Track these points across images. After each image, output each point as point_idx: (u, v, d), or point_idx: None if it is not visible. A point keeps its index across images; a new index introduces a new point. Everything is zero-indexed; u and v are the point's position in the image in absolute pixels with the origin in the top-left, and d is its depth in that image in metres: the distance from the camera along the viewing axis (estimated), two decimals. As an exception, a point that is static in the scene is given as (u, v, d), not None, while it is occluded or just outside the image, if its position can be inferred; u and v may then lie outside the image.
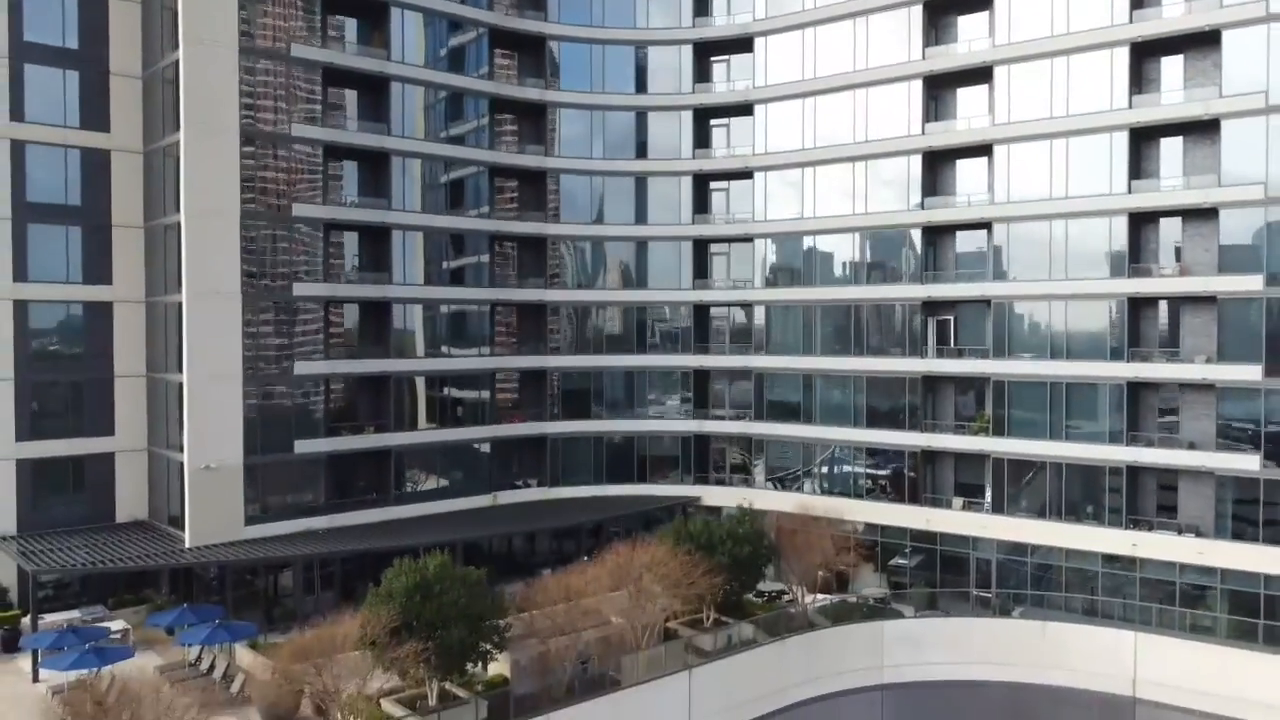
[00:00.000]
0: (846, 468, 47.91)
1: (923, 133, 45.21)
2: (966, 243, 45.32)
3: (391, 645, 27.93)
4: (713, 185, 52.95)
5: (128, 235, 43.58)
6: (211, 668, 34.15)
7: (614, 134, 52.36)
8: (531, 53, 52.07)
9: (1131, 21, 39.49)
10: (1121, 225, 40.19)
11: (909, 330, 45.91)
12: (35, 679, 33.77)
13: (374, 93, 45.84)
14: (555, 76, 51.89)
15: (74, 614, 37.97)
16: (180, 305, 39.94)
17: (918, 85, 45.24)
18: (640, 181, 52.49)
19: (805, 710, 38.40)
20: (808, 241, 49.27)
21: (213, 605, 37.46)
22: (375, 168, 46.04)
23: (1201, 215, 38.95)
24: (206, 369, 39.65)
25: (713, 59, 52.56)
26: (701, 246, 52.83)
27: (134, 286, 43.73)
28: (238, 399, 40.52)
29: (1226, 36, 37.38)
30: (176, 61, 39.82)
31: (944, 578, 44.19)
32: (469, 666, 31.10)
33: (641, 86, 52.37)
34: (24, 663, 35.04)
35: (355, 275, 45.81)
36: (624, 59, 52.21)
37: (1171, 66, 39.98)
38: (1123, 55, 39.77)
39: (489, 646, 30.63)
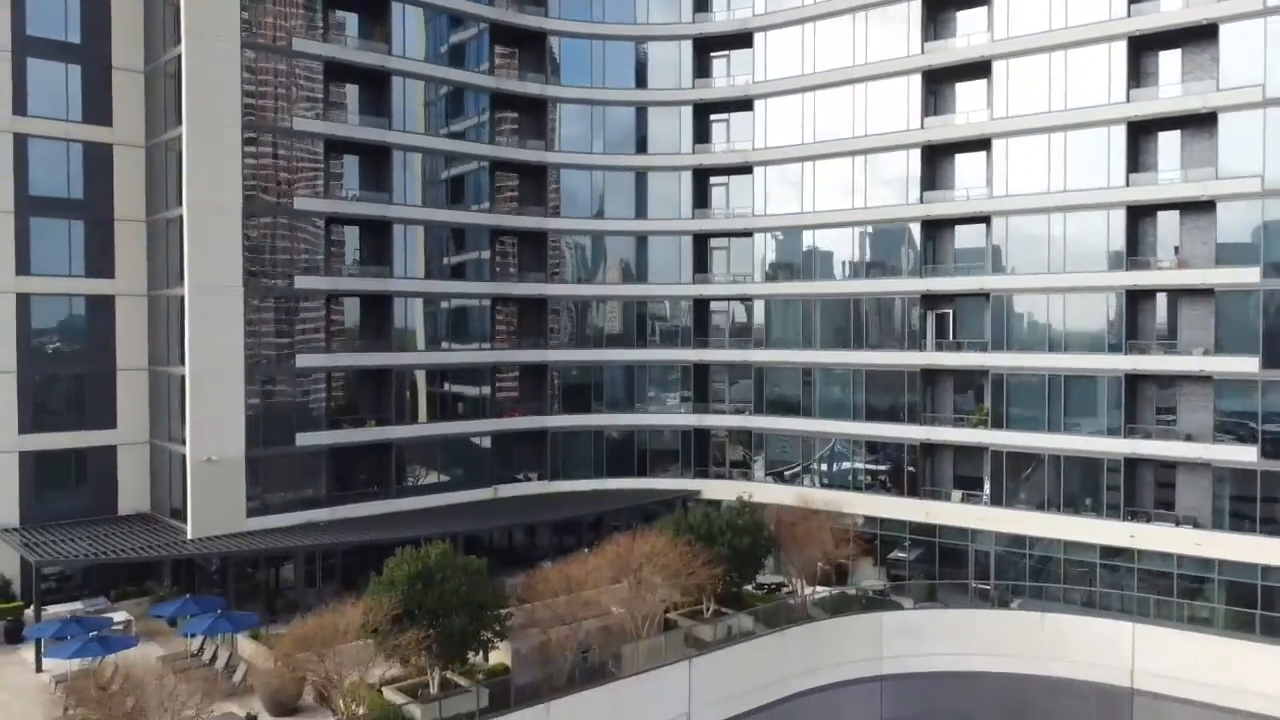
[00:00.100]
0: (846, 464, 48.07)
1: (922, 127, 45.39)
2: (965, 237, 45.50)
3: (393, 633, 28.09)
4: (712, 180, 53.17)
5: (130, 229, 43.74)
6: (214, 658, 34.28)
7: (614, 129, 52.55)
8: (532, 48, 52.26)
9: (1129, 15, 39.67)
10: (1120, 219, 40.35)
11: (908, 324, 46.09)
12: (39, 669, 33.94)
13: (375, 87, 46.02)
14: (556, 72, 52.09)
15: (76, 605, 38.16)
16: (182, 299, 40.14)
17: (917, 80, 45.43)
18: (640, 176, 52.69)
19: (805, 701, 38.56)
20: (807, 236, 49.44)
21: (215, 597, 37.62)
22: (376, 162, 46.22)
23: (1199, 208, 39.12)
24: (208, 362, 39.83)
25: (712, 54, 52.76)
26: (701, 241, 53.04)
27: (136, 280, 43.90)
28: (239, 392, 40.71)
29: (1224, 30, 37.54)
30: (179, 56, 40.02)
31: (943, 570, 44.35)
32: (470, 655, 31.31)
33: (642, 82, 52.57)
34: (27, 653, 35.21)
35: (356, 269, 46.01)
36: (624, 54, 52.41)
37: (1169, 60, 40.19)
38: (1121, 49, 39.95)
39: (490, 635, 30.82)
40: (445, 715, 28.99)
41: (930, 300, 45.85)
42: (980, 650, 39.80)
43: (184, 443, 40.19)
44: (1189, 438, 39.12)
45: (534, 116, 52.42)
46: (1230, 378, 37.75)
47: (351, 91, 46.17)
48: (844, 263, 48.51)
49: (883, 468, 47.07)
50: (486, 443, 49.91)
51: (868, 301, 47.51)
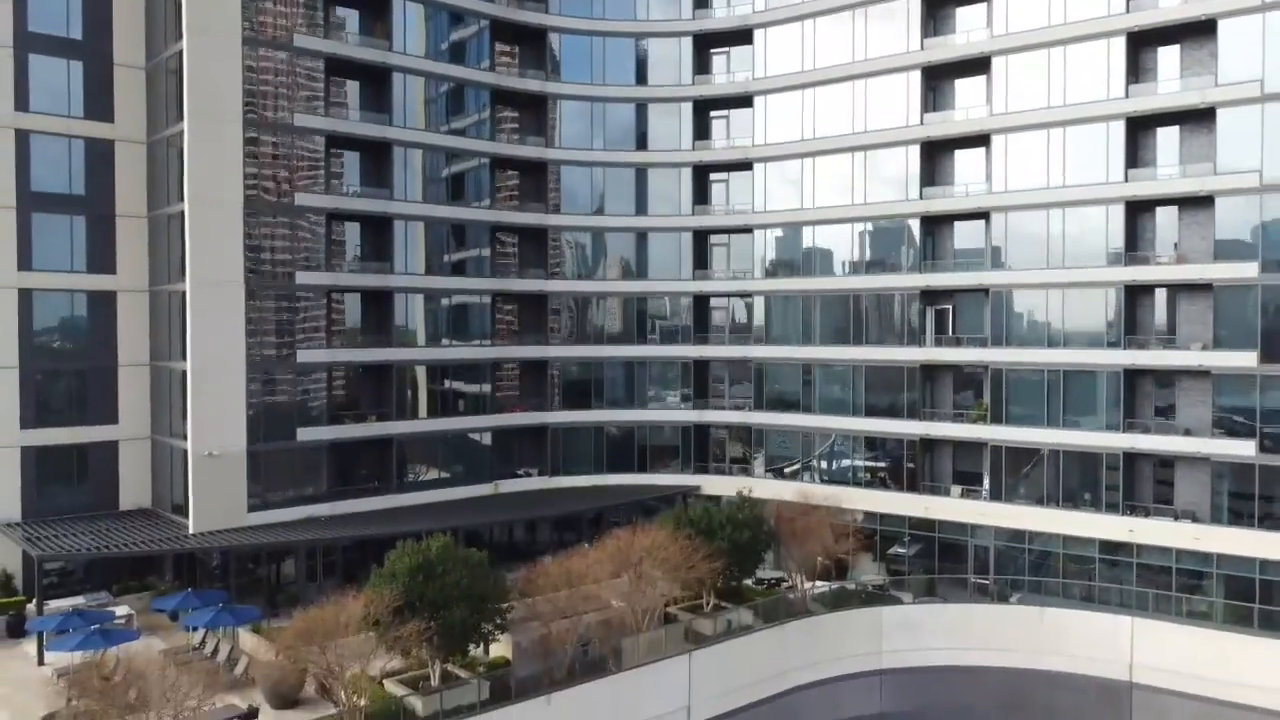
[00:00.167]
0: (845, 460, 48.17)
1: (921, 123, 45.48)
2: (965, 232, 45.61)
3: (394, 625, 28.19)
4: (712, 177, 53.29)
5: (131, 225, 43.85)
6: (215, 651, 34.41)
7: (614, 126, 52.67)
8: (532, 45, 52.36)
9: (1128, 11, 39.76)
10: (1118, 214, 40.45)
11: (908, 320, 46.20)
12: (40, 662, 34.09)
13: (376, 84, 46.13)
14: (556, 68, 52.21)
15: (78, 600, 38.21)
16: (184, 294, 40.27)
17: (916, 76, 45.53)
18: (640, 173, 52.80)
19: (804, 695, 38.69)
20: (807, 232, 49.53)
21: (217, 591, 37.71)
22: (377, 158, 46.33)
23: (1198, 204, 39.21)
24: (210, 357, 39.95)
25: (712, 51, 52.87)
26: (701, 238, 53.15)
27: (138, 276, 44.01)
28: (241, 387, 40.83)
29: (1222, 26, 37.62)
30: (180, 52, 40.16)
31: (942, 565, 44.48)
32: (471, 648, 31.44)
33: (642, 78, 52.68)
34: (29, 647, 35.33)
35: (357, 265, 46.10)
36: (624, 51, 52.51)
37: (1168, 56, 40.29)
38: (1119, 45, 40.03)
39: (491, 627, 30.94)
40: (446, 707, 29.13)
41: (930, 296, 45.95)
42: (979, 645, 39.92)
43: (185, 438, 40.31)
44: (1188, 432, 39.24)
45: (534, 113, 52.53)
46: (1229, 372, 37.86)
47: (352, 88, 46.28)
48: (844, 259, 48.60)
49: (882, 464, 47.19)
50: (487, 438, 50.03)
51: (867, 297, 47.62)
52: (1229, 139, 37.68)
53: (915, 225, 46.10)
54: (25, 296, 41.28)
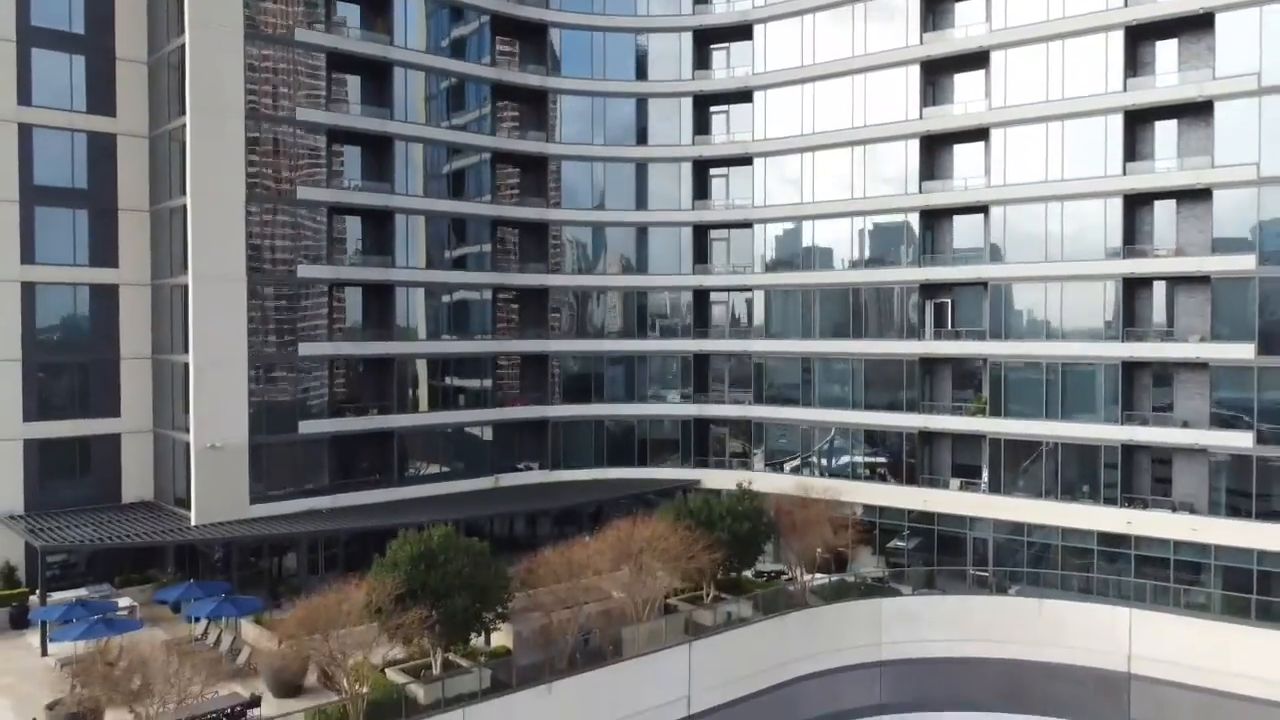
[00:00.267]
0: (845, 458, 48.32)
1: (920, 118, 45.66)
2: (964, 226, 45.76)
3: (397, 613, 28.31)
4: (713, 171, 53.45)
5: (133, 219, 44.01)
6: (218, 642, 34.54)
7: (615, 121, 52.83)
8: (533, 40, 52.51)
9: (1126, 5, 39.92)
10: (1116, 207, 40.62)
11: (907, 314, 46.37)
12: (44, 653, 34.24)
13: (377, 78, 46.31)
14: (556, 64, 52.36)
15: (81, 592, 38.39)
16: (186, 288, 40.43)
17: (915, 71, 45.70)
18: (641, 168, 52.96)
19: (804, 686, 38.79)
20: (807, 226, 49.69)
21: (219, 582, 37.87)
22: (378, 152, 46.49)
23: (1195, 196, 39.38)
24: (211, 350, 40.11)
25: (712, 46, 53.04)
26: (701, 232, 53.31)
27: (140, 269, 44.17)
28: (242, 380, 41.01)
29: (1220, 19, 37.78)
30: (182, 46, 40.32)
31: (941, 558, 44.62)
32: (472, 637, 31.59)
33: (642, 73, 52.83)
34: (33, 638, 35.48)
35: (359, 259, 46.26)
36: (624, 46, 52.67)
37: (1166, 50, 40.44)
38: (1117, 39, 40.20)
39: (492, 616, 31.08)
40: (448, 695, 29.27)
41: (929, 290, 46.12)
42: (979, 636, 40.06)
43: (187, 431, 40.48)
44: (1186, 425, 39.37)
45: (535, 108, 52.68)
46: (1226, 365, 38.00)
47: (353, 82, 46.39)
48: (843, 253, 48.74)
49: (881, 458, 47.34)
50: (488, 432, 50.20)
51: (867, 291, 47.78)
52: (1226, 132, 37.83)
53: (914, 219, 46.25)
54: (28, 290, 41.43)
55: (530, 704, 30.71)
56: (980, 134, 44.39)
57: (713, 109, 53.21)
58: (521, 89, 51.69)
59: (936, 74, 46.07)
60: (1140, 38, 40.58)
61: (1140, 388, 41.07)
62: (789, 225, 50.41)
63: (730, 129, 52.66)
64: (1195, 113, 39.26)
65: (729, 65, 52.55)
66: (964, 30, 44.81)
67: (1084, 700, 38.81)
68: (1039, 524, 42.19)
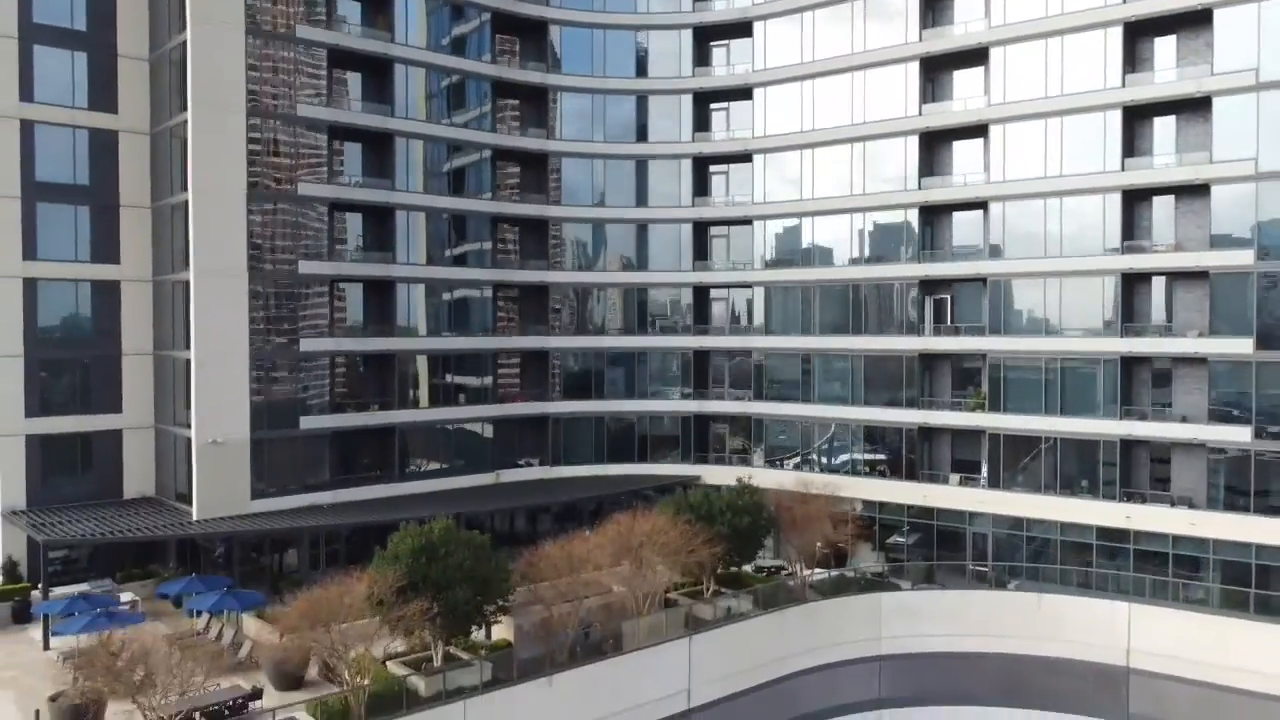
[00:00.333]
0: (844, 456, 48.39)
1: (920, 114, 45.77)
2: (963, 222, 45.88)
3: (398, 605, 28.42)
4: (712, 168, 53.56)
5: (135, 215, 44.14)
6: (219, 636, 34.66)
7: (615, 118, 52.96)
8: (533, 37, 52.62)
9: (1125, 1, 40.01)
10: (1115, 203, 40.72)
11: (906, 310, 46.48)
12: (46, 646, 34.33)
13: (378, 75, 46.43)
14: (557, 61, 52.48)
15: (83, 587, 38.44)
16: (187, 283, 40.56)
17: (915, 67, 45.81)
18: (641, 165, 53.09)
19: (804, 680, 38.91)
20: (806, 223, 49.81)
21: (221, 577, 37.98)
22: (379, 149, 46.62)
23: (1194, 192, 39.49)
24: (213, 346, 40.23)
25: (712, 43, 53.17)
26: (701, 229, 53.43)
27: (141, 265, 44.30)
28: (244, 375, 41.13)
29: (1218, 15, 37.88)
30: (183, 43, 40.44)
31: (941, 553, 44.73)
32: (473, 630, 31.69)
33: (642, 71, 52.96)
34: (35, 632, 35.59)
35: (359, 255, 46.36)
36: (624, 43, 52.79)
37: (1164, 46, 40.53)
38: (1116, 35, 40.30)
39: (493, 608, 31.18)
40: (449, 688, 29.38)
41: (928, 286, 46.24)
42: (978, 631, 40.15)
43: (189, 426, 40.60)
44: (1184, 420, 39.49)
45: (535, 105, 52.80)
46: (1225, 359, 38.12)
47: (354, 79, 46.56)
48: (843, 250, 48.83)
49: (881, 453, 47.43)
50: (488, 429, 50.31)
51: (866, 288, 47.88)
52: (1225, 127, 37.95)
53: (914, 216, 46.34)
54: (30, 286, 41.57)
55: (531, 697, 30.83)
56: (979, 130, 44.50)
57: (713, 106, 53.33)
58: (522, 86, 51.80)
59: (936, 71, 46.18)
60: (1139, 34, 40.67)
61: (1139, 383, 41.19)
62: (789, 222, 50.53)
63: (730, 126, 52.77)
64: (1194, 108, 39.38)
65: (729, 62, 52.67)
66: (963, 27, 44.89)
67: (1083, 694, 38.92)
68: (1038, 519, 42.27)
